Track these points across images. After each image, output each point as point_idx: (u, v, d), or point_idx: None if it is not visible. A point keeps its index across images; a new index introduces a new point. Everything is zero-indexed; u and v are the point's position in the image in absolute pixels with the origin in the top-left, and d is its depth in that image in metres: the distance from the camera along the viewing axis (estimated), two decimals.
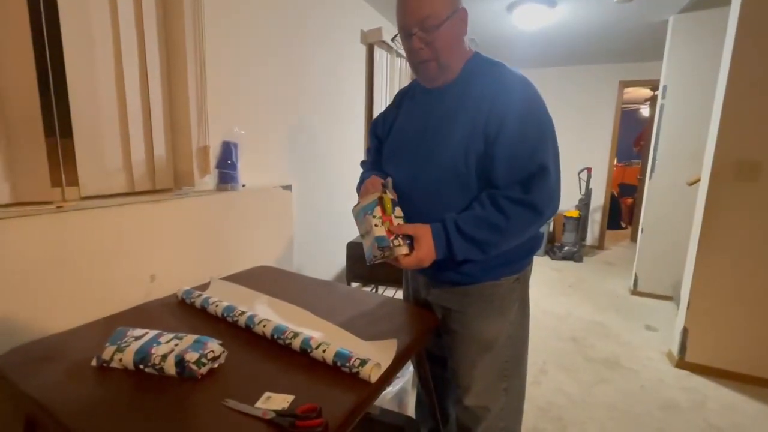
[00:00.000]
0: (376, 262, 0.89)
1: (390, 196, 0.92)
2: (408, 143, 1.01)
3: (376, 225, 0.87)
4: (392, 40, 0.97)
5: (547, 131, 0.90)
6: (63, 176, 1.06)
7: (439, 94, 0.98)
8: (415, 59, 0.94)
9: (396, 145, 1.06)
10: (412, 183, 0.99)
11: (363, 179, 1.10)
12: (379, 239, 0.86)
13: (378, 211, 0.89)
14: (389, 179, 0.99)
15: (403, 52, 1.11)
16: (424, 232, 0.89)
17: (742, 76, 1.88)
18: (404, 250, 0.87)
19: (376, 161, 1.15)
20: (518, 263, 1.02)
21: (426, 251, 0.88)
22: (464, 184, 0.91)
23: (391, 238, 0.87)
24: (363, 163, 1.22)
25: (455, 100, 0.94)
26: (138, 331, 0.85)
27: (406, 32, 0.91)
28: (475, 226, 0.87)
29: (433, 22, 0.86)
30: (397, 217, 0.91)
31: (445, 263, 0.94)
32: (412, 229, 0.90)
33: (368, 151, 1.22)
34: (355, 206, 0.98)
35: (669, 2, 2.66)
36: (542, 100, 0.93)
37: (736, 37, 1.87)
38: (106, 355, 0.79)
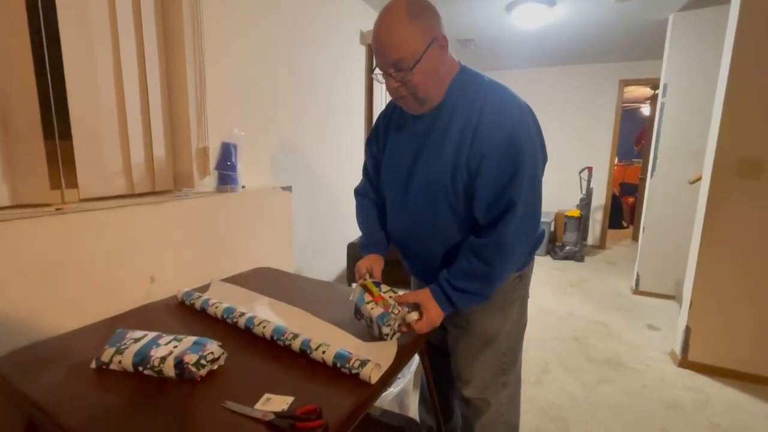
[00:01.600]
0: (393, 338, 0.92)
1: (371, 280, 1.01)
2: (400, 169, 1.03)
3: (372, 308, 0.92)
4: (372, 74, 0.98)
5: (524, 160, 0.87)
6: (62, 178, 1.06)
7: (426, 120, 0.97)
8: (393, 95, 0.95)
9: (389, 171, 1.08)
10: (405, 209, 1.03)
11: (360, 230, 1.17)
12: (380, 317, 0.90)
13: (367, 296, 0.95)
14: (372, 271, 1.05)
15: None
16: (426, 297, 0.94)
17: (742, 73, 1.88)
18: (414, 315, 0.92)
19: (371, 196, 1.17)
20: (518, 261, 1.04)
21: (435, 313, 0.93)
22: (453, 207, 0.95)
23: (390, 310, 0.91)
24: (356, 193, 1.21)
25: (441, 127, 0.94)
26: (137, 333, 0.85)
27: (382, 71, 0.91)
28: (465, 280, 0.92)
29: (407, 64, 0.85)
30: (385, 292, 0.97)
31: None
32: (413, 296, 0.95)
33: (364, 169, 1.20)
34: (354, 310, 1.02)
35: (669, 0, 2.66)
36: (525, 119, 0.90)
37: (736, 34, 1.86)
38: (105, 357, 0.79)
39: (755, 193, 1.92)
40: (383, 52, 0.87)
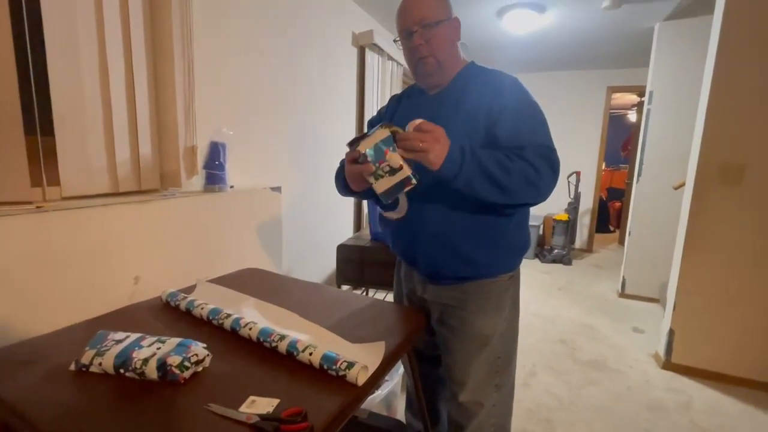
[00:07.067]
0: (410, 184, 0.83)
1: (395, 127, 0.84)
2: None
3: (403, 156, 0.81)
4: (394, 41, 1.03)
5: (544, 120, 0.96)
6: (44, 175, 1.03)
7: (434, 98, 1.03)
8: (414, 56, 1.00)
9: None
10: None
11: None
12: (416, 166, 0.82)
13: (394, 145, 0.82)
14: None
15: (395, 55, 1.12)
16: (444, 140, 0.84)
17: (724, 81, 1.92)
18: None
19: None
20: (512, 261, 1.07)
21: (441, 149, 0.82)
22: None
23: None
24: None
25: (451, 102, 0.99)
26: (119, 335, 0.83)
27: (407, 32, 0.98)
28: (487, 157, 0.86)
29: (432, 20, 0.96)
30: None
31: (444, 260, 1.00)
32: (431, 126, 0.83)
33: None
34: (354, 147, 0.84)
35: (655, 10, 2.72)
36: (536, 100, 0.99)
37: (719, 43, 1.91)
38: (85, 359, 0.76)
39: (737, 198, 1.96)
40: (411, 10, 0.97)
